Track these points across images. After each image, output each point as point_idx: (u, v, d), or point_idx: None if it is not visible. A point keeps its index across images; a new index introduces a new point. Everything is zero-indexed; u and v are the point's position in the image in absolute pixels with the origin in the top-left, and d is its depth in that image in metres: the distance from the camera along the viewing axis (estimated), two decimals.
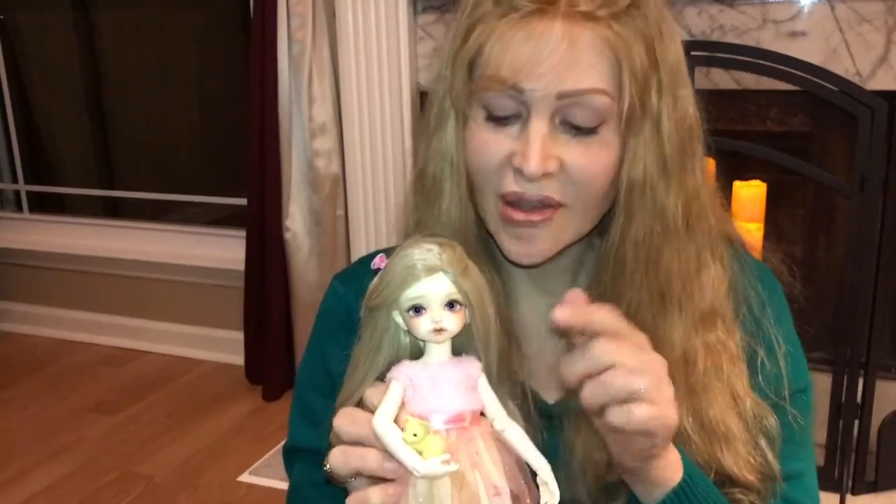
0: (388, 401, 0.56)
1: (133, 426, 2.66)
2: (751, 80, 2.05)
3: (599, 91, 0.64)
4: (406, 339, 0.59)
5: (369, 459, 0.56)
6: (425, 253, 0.56)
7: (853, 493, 2.07)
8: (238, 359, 2.91)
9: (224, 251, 3.04)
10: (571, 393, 0.60)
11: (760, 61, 1.94)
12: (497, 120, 0.68)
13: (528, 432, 0.67)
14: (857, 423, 2.04)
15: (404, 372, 0.57)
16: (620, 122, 0.66)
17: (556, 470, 0.69)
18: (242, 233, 2.79)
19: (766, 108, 2.23)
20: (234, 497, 2.27)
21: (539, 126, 0.66)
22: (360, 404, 0.59)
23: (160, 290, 3.16)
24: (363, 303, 0.60)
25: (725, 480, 0.71)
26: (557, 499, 0.57)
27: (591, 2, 0.64)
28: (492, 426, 0.58)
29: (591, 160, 0.67)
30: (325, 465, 0.61)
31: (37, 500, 2.28)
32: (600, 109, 0.65)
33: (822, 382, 2.03)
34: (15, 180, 3.50)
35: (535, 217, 0.68)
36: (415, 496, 0.54)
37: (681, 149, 0.68)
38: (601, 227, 0.74)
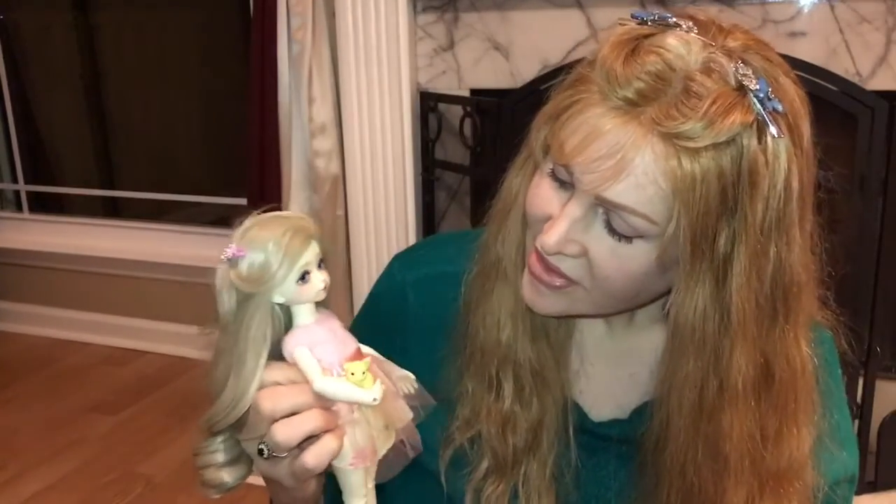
0: (310, 365, 0.61)
1: (133, 426, 2.66)
2: None
3: (638, 214, 0.60)
4: (279, 317, 0.64)
5: (316, 418, 0.61)
6: (300, 223, 0.61)
7: None
8: None
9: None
10: None
11: None
12: (558, 179, 0.66)
13: (562, 454, 0.75)
14: (856, 423, 2.04)
15: (301, 338, 0.62)
16: (661, 248, 0.62)
17: (592, 490, 0.75)
18: None
19: None
20: (234, 497, 2.26)
21: (574, 210, 0.63)
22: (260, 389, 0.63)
23: (160, 290, 3.16)
24: (231, 295, 0.66)
25: None
26: (415, 385, 0.67)
27: (677, 127, 0.58)
28: None
29: (614, 262, 0.63)
30: (260, 449, 0.65)
31: (37, 500, 2.28)
32: (638, 228, 0.61)
33: None
34: (15, 180, 3.50)
35: (554, 280, 0.67)
36: (352, 424, 0.63)
37: (760, 307, 0.62)
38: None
